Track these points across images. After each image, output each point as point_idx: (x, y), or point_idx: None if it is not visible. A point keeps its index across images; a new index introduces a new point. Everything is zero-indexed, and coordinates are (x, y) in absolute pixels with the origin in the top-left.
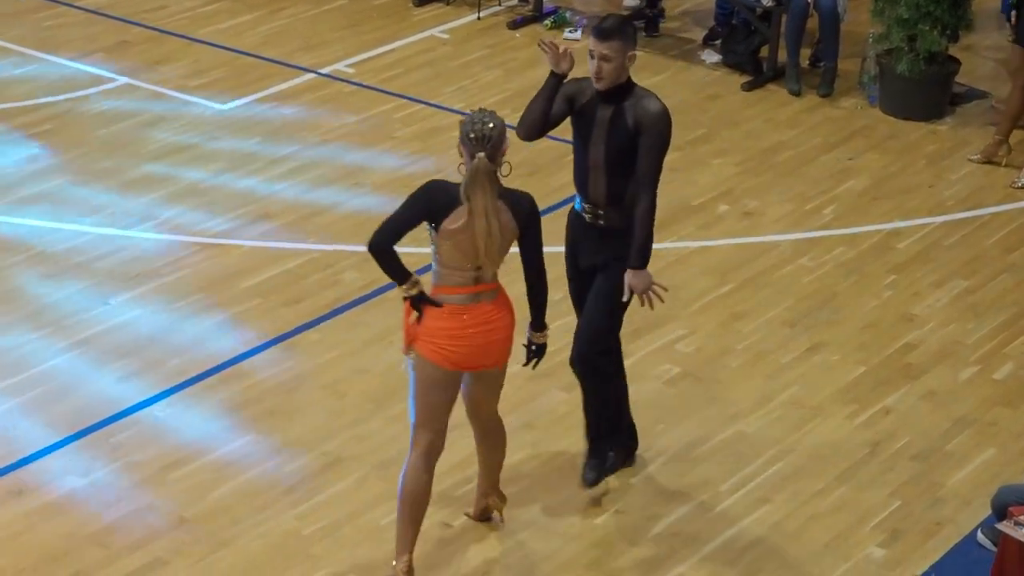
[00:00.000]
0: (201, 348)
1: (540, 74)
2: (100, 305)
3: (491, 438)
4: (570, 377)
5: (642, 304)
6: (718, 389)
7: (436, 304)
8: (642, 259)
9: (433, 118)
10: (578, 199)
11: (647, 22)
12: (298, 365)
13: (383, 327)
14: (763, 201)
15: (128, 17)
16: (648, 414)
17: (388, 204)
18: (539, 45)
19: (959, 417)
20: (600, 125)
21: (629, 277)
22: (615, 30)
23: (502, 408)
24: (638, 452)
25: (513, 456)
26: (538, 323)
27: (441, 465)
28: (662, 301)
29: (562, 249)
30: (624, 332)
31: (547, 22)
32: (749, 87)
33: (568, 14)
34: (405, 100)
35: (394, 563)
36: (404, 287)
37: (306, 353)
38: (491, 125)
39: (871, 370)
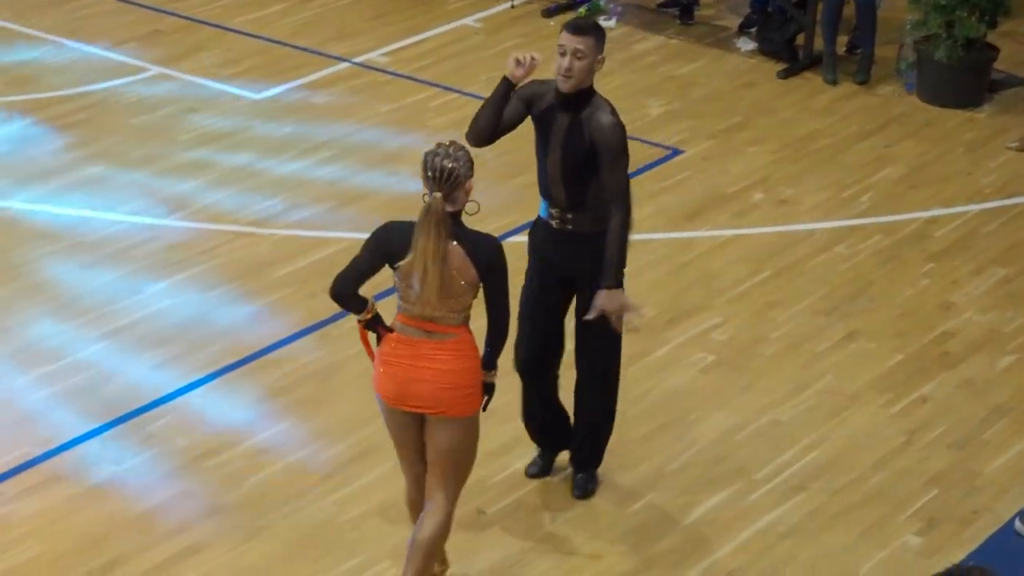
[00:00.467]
0: (236, 336)
1: None
2: (136, 293)
3: (422, 525)
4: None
5: (611, 327)
6: (753, 377)
7: (388, 329)
8: (616, 278)
9: (467, 107)
10: (543, 204)
11: (682, 9)
12: (333, 353)
13: None
14: (798, 189)
15: (160, 6)
16: (683, 403)
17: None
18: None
19: (996, 405)
20: (557, 133)
21: (601, 298)
22: (590, 27)
23: None
24: (675, 439)
25: None
26: (489, 363)
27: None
28: (636, 330)
29: None
30: (660, 321)
31: (582, 10)
32: (785, 75)
33: (603, 2)
34: (439, 89)
35: None
36: (360, 314)
37: (341, 341)
38: (450, 165)
39: (908, 358)
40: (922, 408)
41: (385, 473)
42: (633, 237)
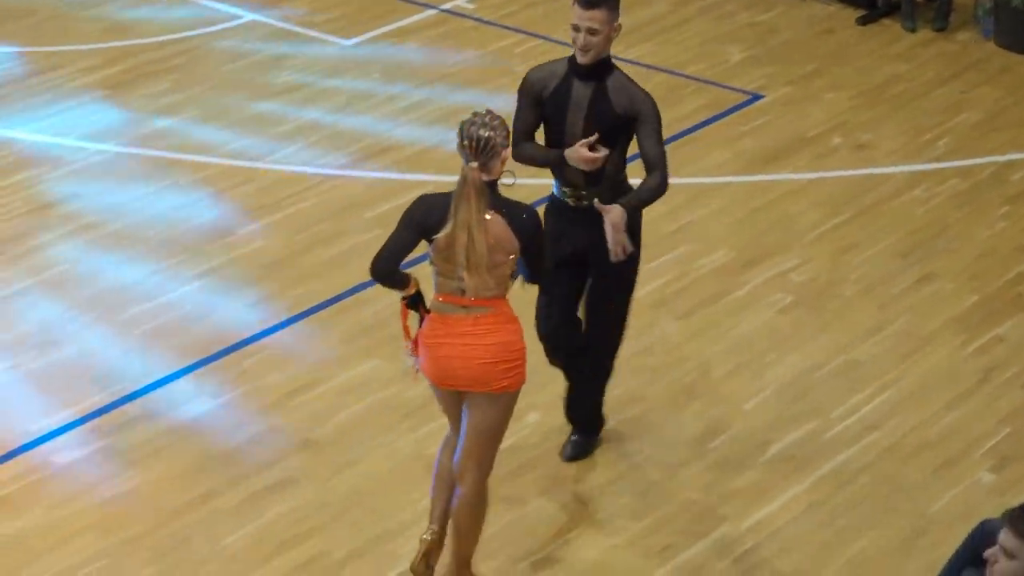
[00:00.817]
0: (326, 276)
1: (664, 7)
2: (228, 235)
3: (455, 515)
4: (686, 306)
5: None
6: (830, 318)
7: (426, 310)
8: (630, 204)
9: (552, 52)
10: (555, 184)
11: None
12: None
13: None
14: (876, 134)
15: None
16: (761, 342)
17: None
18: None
19: None
20: (578, 105)
21: (613, 212)
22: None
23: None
24: (754, 377)
25: (631, 382)
26: None
27: None
28: (621, 255)
29: None
30: (738, 262)
31: None
32: (863, 22)
33: None
34: (525, 35)
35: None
36: (404, 290)
37: (427, 280)
38: (487, 134)
39: (983, 300)
40: (997, 348)
41: None
42: (714, 180)
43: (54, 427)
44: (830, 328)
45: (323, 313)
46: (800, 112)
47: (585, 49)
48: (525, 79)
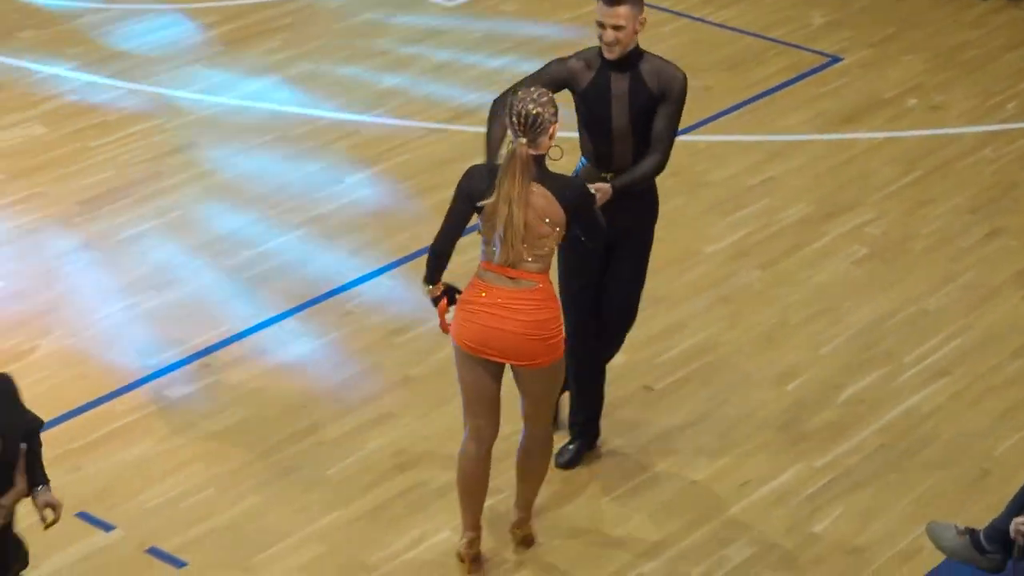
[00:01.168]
0: (423, 226)
1: None
2: (331, 186)
3: (524, 460)
4: (767, 256)
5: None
6: (903, 270)
7: (452, 301)
8: (620, 185)
9: (654, 19)
10: (582, 160)
11: None
12: None
13: None
14: (949, 96)
15: None
16: (837, 291)
17: None
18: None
19: None
20: (620, 95)
21: (601, 192)
22: None
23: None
24: (830, 324)
25: (711, 328)
26: None
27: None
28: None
29: None
30: (816, 215)
31: None
32: None
33: None
34: None
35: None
36: (430, 288)
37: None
38: (536, 110)
39: None
40: None
41: None
42: (795, 137)
43: (168, 363)
44: (902, 279)
45: (420, 259)
46: (877, 74)
47: (611, 45)
48: (559, 70)
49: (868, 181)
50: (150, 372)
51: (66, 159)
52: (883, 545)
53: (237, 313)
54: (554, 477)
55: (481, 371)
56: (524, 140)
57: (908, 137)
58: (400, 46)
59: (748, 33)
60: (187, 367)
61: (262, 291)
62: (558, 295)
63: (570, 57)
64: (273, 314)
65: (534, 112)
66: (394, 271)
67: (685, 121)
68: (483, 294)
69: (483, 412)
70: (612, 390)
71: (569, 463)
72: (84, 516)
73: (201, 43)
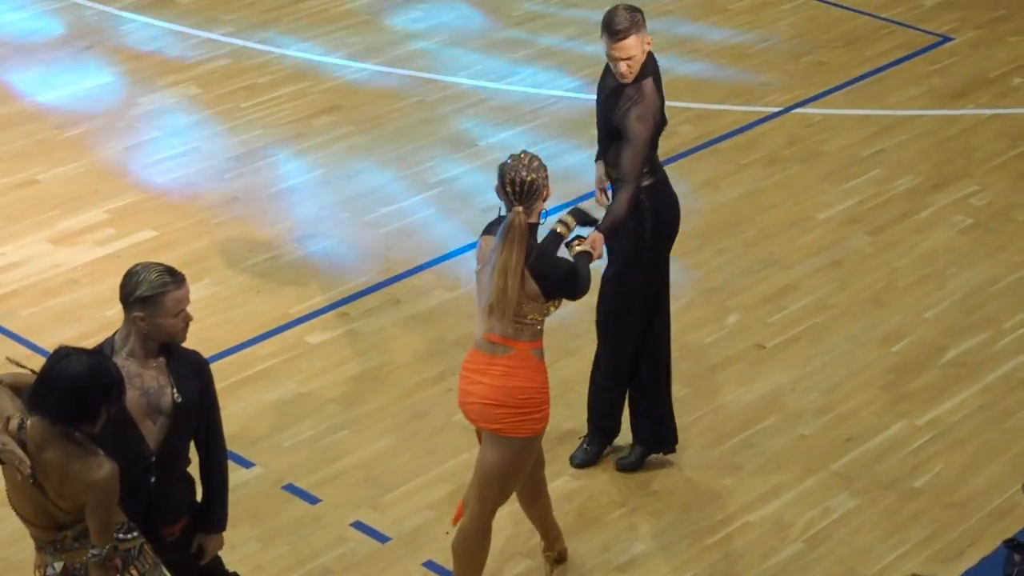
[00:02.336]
0: (561, 183)
1: None
2: (466, 147)
3: (456, 536)
4: (877, 223)
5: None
6: (1006, 239)
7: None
8: (609, 228)
9: None
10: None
11: None
12: None
13: (713, 174)
14: None
15: None
16: (942, 258)
17: (716, 71)
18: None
19: None
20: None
21: (592, 238)
22: (628, 27)
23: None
24: (935, 289)
25: (821, 290)
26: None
27: None
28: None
29: None
30: (922, 186)
31: None
32: None
33: None
34: None
35: None
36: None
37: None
38: (530, 177)
39: None
40: None
41: (680, 307)
42: (906, 112)
43: (308, 311)
44: (1005, 248)
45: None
46: (986, 54)
47: (626, 75)
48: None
49: (974, 155)
50: (292, 319)
51: (219, 118)
52: (980, 501)
53: (374, 266)
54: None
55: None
56: (520, 208)
57: (1014, 114)
58: (526, 22)
59: (863, 12)
60: (326, 315)
61: (399, 246)
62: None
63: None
64: (407, 268)
65: (528, 179)
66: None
67: (803, 94)
68: (469, 360)
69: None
70: (721, 350)
71: (582, 463)
72: None
73: (346, 12)
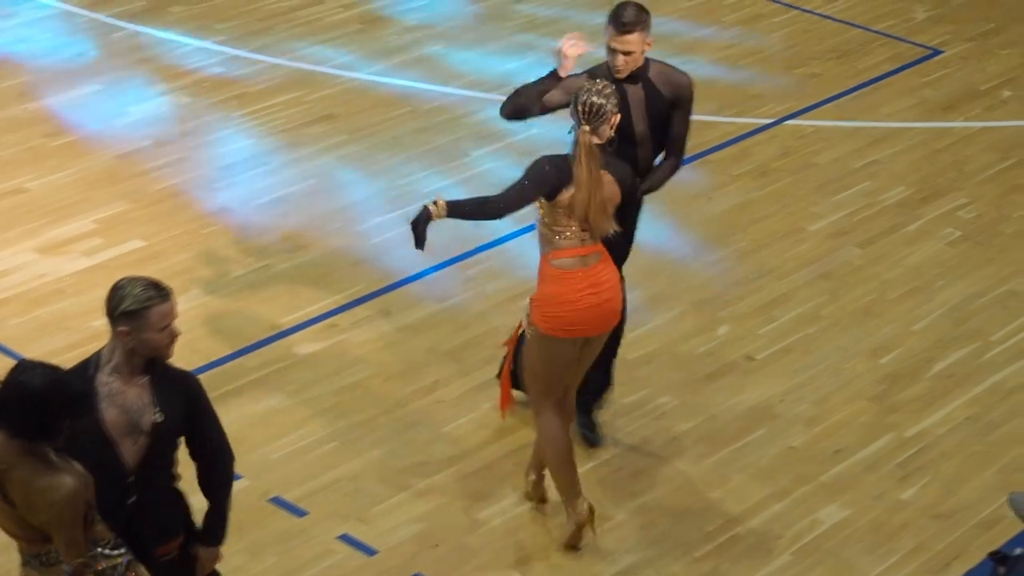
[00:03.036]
0: None
1: None
2: (463, 157)
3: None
4: (866, 235)
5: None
6: (994, 252)
7: None
8: (647, 191)
9: (759, 3)
10: None
11: None
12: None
13: (705, 185)
14: None
15: None
16: (931, 271)
17: (718, 73)
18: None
19: None
20: (636, 103)
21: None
22: (634, 23)
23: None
24: (923, 301)
25: (811, 302)
26: None
27: None
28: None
29: None
30: (912, 198)
31: None
32: None
33: None
34: None
35: (572, 511)
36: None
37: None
38: (600, 101)
39: None
40: None
41: (669, 319)
42: (896, 124)
43: (298, 322)
44: (993, 261)
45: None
46: (976, 66)
47: (621, 70)
48: (576, 78)
49: (964, 167)
50: (281, 330)
51: (210, 127)
52: (966, 513)
53: (364, 276)
54: (656, 438)
55: (571, 349)
56: (588, 128)
57: (1003, 127)
58: (526, 30)
59: (855, 25)
60: (315, 326)
61: (388, 257)
62: None
63: (581, 74)
64: (397, 279)
65: (598, 103)
66: (520, 239)
67: (795, 105)
68: (575, 280)
69: (568, 385)
70: (712, 361)
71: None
72: None
73: (340, 21)
